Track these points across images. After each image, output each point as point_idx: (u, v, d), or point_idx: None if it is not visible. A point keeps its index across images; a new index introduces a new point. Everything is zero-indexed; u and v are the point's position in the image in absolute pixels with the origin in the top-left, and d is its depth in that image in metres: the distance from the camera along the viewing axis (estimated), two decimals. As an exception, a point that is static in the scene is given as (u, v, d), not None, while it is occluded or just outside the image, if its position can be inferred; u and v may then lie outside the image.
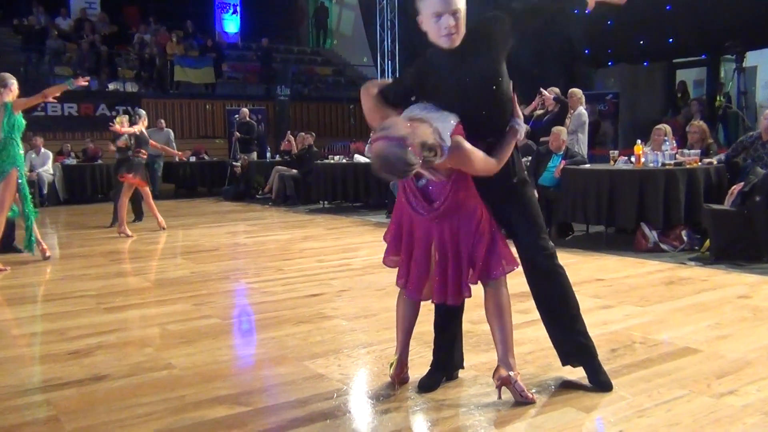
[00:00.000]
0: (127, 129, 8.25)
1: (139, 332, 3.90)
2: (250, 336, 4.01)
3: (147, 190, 8.41)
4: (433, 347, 3.00)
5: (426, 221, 2.72)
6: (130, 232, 7.97)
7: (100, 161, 13.24)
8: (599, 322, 3.85)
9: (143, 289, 5.07)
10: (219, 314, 4.33)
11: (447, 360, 2.98)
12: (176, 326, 4.00)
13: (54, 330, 3.97)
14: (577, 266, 5.59)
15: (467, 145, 2.55)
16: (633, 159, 6.64)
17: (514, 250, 2.89)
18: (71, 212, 7.02)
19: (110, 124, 8.49)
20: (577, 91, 8.12)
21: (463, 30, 2.56)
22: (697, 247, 6.03)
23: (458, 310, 2.99)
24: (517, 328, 3.77)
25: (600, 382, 2.84)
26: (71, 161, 13.17)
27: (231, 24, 20.94)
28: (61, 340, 3.76)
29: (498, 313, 2.81)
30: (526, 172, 2.93)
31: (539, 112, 8.27)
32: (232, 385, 3.04)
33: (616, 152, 7.27)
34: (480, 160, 2.61)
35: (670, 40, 11.31)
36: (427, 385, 2.90)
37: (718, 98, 12.07)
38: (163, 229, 8.43)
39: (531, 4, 2.79)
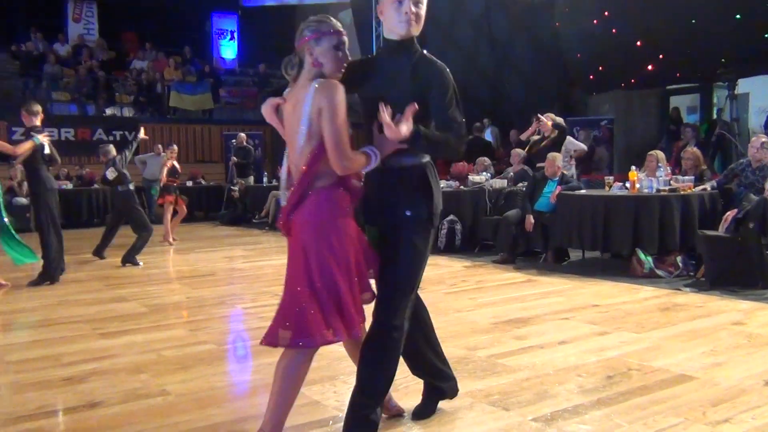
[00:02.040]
0: (165, 168, 9.95)
1: (135, 358, 3.89)
2: (245, 362, 3.99)
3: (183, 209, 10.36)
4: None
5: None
6: (171, 240, 9.69)
7: (96, 186, 13.25)
8: (595, 349, 3.86)
9: (139, 315, 5.06)
10: (215, 340, 4.32)
11: (433, 384, 2.89)
12: (172, 352, 3.99)
13: (48, 356, 3.95)
14: (573, 292, 5.60)
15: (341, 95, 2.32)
16: (628, 185, 6.68)
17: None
18: (67, 237, 6.98)
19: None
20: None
21: (421, 22, 2.50)
22: (692, 273, 6.05)
23: (412, 331, 2.62)
24: (513, 354, 3.80)
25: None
26: (67, 186, 13.17)
27: (228, 50, 21.09)
28: (55, 366, 3.74)
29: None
30: (434, 215, 2.58)
31: (536, 137, 8.33)
32: (227, 411, 3.02)
33: (611, 178, 7.32)
34: (344, 131, 2.32)
35: (664, 66, 11.45)
36: (421, 412, 2.89)
37: (706, 124, 12.24)
38: (170, 243, 9.64)
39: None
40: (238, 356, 4.14)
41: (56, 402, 3.17)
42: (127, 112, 16.69)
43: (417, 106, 2.40)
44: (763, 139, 6.44)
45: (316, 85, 2.33)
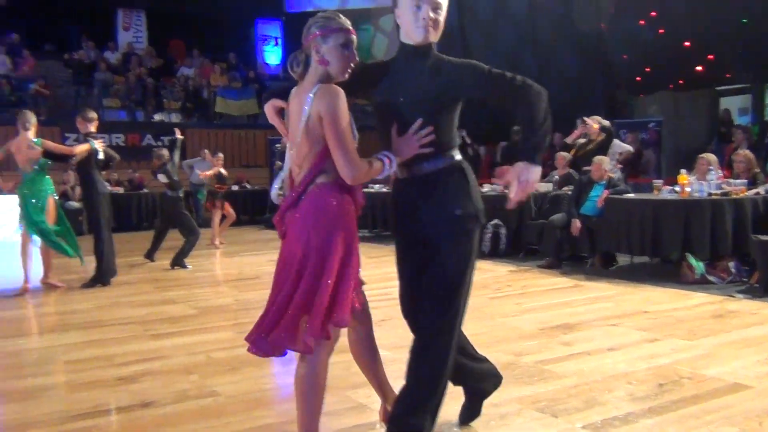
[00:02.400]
0: (210, 172, 10.36)
1: (184, 359, 3.97)
2: (292, 364, 4.03)
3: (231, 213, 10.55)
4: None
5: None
6: (218, 243, 9.95)
7: (145, 190, 13.58)
8: (645, 356, 3.79)
9: (188, 317, 5.16)
10: (262, 342, 4.37)
11: (474, 387, 2.86)
12: (220, 354, 4.06)
13: (102, 356, 4.06)
14: (622, 298, 5.50)
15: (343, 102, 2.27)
16: (677, 188, 6.54)
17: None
18: (117, 240, 7.17)
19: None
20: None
21: (440, 29, 2.45)
22: (745, 279, 5.89)
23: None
24: (560, 360, 3.75)
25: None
26: (118, 190, 13.52)
27: (273, 56, 21.38)
28: (109, 366, 3.84)
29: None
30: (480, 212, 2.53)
31: (582, 140, 8.22)
32: (276, 413, 3.07)
33: (660, 182, 7.18)
34: (348, 137, 2.28)
35: (713, 67, 11.17)
36: (468, 416, 2.87)
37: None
38: (216, 247, 9.87)
39: None
40: (285, 359, 4.17)
41: (110, 401, 3.26)
42: (175, 118, 17.04)
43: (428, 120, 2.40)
44: None
45: (316, 91, 2.28)
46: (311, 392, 2.42)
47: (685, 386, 3.27)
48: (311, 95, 2.28)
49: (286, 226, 2.40)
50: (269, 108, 2.57)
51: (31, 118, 6.52)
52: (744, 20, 9.99)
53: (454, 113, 2.50)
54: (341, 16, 2.39)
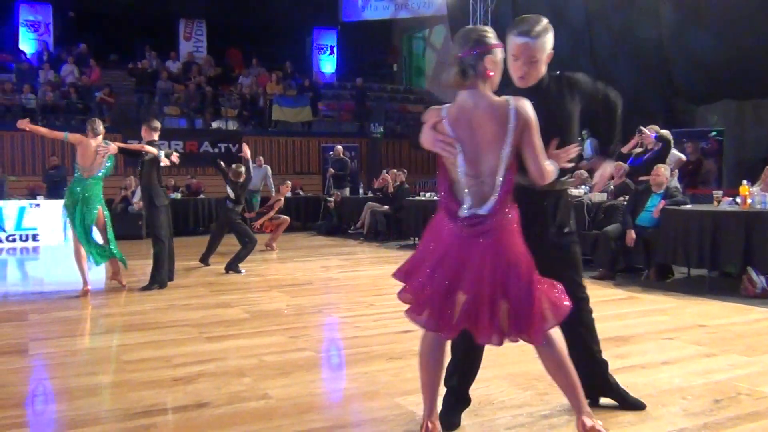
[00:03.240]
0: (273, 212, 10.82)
1: (238, 362, 4.06)
2: (342, 370, 4.09)
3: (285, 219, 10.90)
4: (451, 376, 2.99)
5: (462, 243, 2.50)
6: (275, 246, 10.44)
7: (202, 196, 13.92)
8: (701, 371, 3.70)
9: (241, 320, 5.27)
10: (313, 347, 4.45)
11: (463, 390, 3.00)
12: (272, 357, 4.14)
13: (159, 357, 4.19)
14: (678, 311, 5.37)
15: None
16: (738, 200, 6.36)
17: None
18: (175, 244, 7.39)
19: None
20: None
21: (536, 76, 2.77)
22: (810, 295, 5.68)
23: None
24: (614, 373, 3.68)
25: (630, 403, 3.07)
26: (176, 196, 13.89)
27: (328, 64, 21.67)
28: (166, 367, 3.96)
29: (556, 368, 2.63)
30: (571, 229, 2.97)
31: (638, 150, 8.06)
32: (326, 418, 3.11)
33: (720, 193, 6.98)
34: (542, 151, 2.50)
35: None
36: (449, 421, 2.89)
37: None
38: (273, 249, 10.34)
39: None
40: (335, 364, 4.24)
41: (167, 401, 3.36)
42: (232, 126, 17.44)
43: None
44: None
45: (515, 104, 2.44)
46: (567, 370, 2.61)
47: (742, 403, 3.18)
48: (513, 109, 2.43)
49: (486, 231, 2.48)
50: (429, 133, 2.58)
51: (100, 126, 6.79)
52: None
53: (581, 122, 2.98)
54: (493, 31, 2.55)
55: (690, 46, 11.31)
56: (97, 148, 6.58)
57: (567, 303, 2.56)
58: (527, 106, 2.45)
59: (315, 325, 5.22)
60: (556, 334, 2.61)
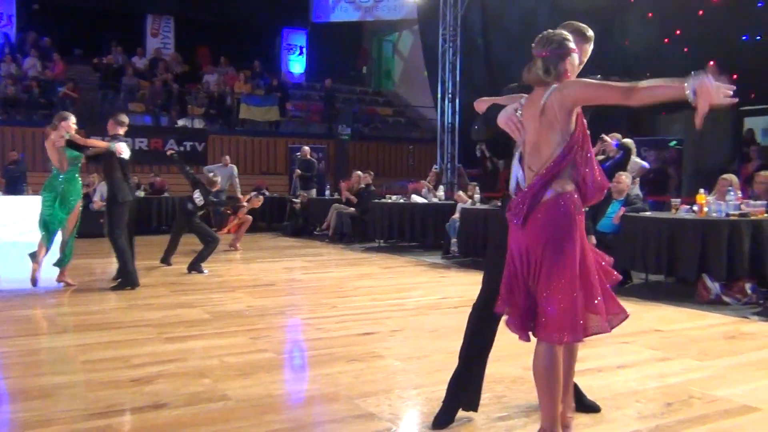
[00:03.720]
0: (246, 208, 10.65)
1: (198, 363, 4.03)
2: (303, 372, 4.09)
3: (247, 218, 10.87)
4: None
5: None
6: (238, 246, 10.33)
7: (167, 194, 13.75)
8: (656, 375, 3.79)
9: (203, 321, 5.23)
10: (274, 348, 4.43)
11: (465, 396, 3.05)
12: (233, 358, 4.12)
13: (118, 357, 4.14)
14: (636, 316, 5.46)
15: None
16: (696, 208, 6.52)
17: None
18: (136, 243, 7.29)
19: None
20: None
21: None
22: (761, 301, 5.85)
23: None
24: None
25: (586, 405, 3.14)
26: (140, 194, 13.69)
27: (297, 65, 21.60)
28: (124, 368, 3.92)
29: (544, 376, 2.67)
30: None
31: (600, 157, 8.19)
32: (285, 419, 3.11)
33: (678, 201, 7.14)
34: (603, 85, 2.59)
35: (738, 86, 11.10)
36: (443, 420, 2.97)
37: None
38: (236, 249, 10.31)
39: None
40: (296, 366, 4.23)
41: (125, 402, 3.32)
42: (198, 124, 17.26)
43: None
44: None
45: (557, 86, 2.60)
46: (555, 380, 2.64)
47: (693, 406, 3.27)
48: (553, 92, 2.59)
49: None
50: (510, 113, 2.75)
51: (65, 118, 6.63)
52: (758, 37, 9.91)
53: None
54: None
55: (652, 54, 11.55)
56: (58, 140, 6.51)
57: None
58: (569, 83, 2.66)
59: (277, 327, 5.20)
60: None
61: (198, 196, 8.33)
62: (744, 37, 9.98)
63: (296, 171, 14.30)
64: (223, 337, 4.71)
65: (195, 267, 7.87)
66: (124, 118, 6.97)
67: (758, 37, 9.90)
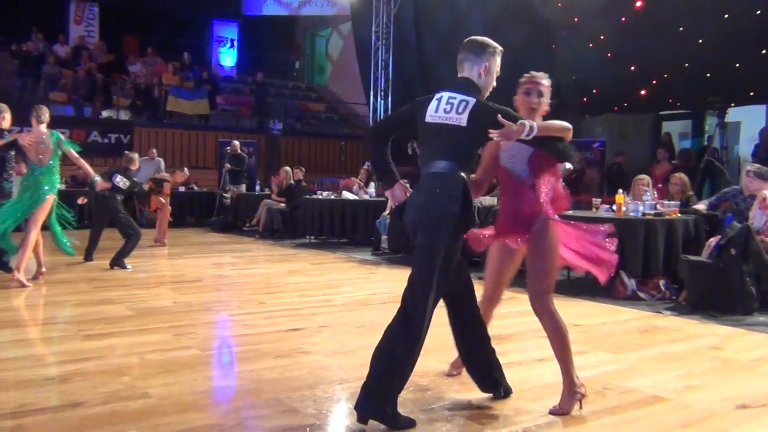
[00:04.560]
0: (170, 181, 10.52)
1: (118, 360, 3.92)
2: (228, 368, 4.04)
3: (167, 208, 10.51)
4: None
5: None
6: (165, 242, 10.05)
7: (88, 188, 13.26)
8: (573, 368, 3.91)
9: (124, 318, 5.09)
10: (199, 345, 4.36)
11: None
12: (155, 356, 4.03)
13: (32, 355, 3.99)
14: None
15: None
16: (614, 207, 6.77)
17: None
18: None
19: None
20: None
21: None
22: (673, 297, 6.13)
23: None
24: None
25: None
26: (61, 186, 13.15)
27: (227, 57, 21.22)
28: (38, 366, 3.78)
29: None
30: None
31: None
32: (207, 416, 3.07)
33: (599, 200, 7.40)
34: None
35: (657, 92, 11.59)
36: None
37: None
38: (163, 245, 10.04)
39: None
40: (221, 362, 4.18)
41: (38, 401, 3.20)
42: (124, 116, 16.74)
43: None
44: (752, 168, 6.54)
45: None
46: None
47: (607, 397, 3.41)
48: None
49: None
50: None
51: (46, 113, 6.66)
52: (687, 48, 10.37)
53: None
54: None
55: (578, 58, 11.90)
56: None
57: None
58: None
59: (202, 323, 5.11)
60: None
61: (120, 180, 8.05)
62: (665, 45, 10.40)
63: (226, 165, 14.08)
64: (145, 334, 4.60)
65: (117, 262, 7.64)
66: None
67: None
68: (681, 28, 10.27)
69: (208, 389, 3.56)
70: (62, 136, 6.81)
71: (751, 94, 10.66)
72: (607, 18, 11.19)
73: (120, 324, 4.87)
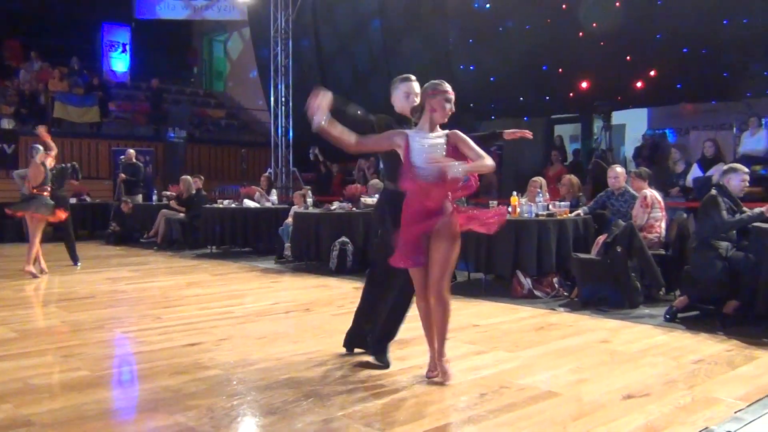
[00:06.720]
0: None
1: (-2, 387, 3.67)
2: (120, 389, 3.86)
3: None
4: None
5: None
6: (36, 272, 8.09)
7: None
8: (471, 368, 4.00)
9: (7, 340, 4.77)
10: (89, 366, 4.14)
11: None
12: (40, 380, 3.80)
13: None
14: (456, 312, 5.70)
15: None
16: (510, 209, 6.99)
17: None
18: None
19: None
20: None
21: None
22: (566, 294, 6.40)
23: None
24: (393, 375, 3.88)
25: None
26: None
27: (120, 63, 20.40)
28: None
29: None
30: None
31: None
32: (95, 441, 2.92)
33: (495, 202, 7.60)
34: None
35: (547, 97, 12.10)
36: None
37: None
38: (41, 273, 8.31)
39: None
40: (113, 383, 3.99)
41: None
42: (7, 124, 15.75)
43: None
44: (618, 170, 6.93)
45: (448, 133, 3.78)
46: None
47: (504, 395, 3.50)
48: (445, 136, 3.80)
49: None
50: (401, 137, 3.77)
51: None
52: (574, 56, 10.89)
53: None
54: (446, 83, 3.77)
55: (477, 64, 12.27)
56: None
57: None
58: (459, 133, 3.91)
59: (93, 342, 4.86)
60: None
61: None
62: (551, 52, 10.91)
63: (120, 175, 13.52)
64: (29, 357, 4.33)
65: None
66: None
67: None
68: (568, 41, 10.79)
69: (99, 413, 3.39)
70: None
71: (619, 99, 11.33)
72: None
73: (2, 348, 4.56)
